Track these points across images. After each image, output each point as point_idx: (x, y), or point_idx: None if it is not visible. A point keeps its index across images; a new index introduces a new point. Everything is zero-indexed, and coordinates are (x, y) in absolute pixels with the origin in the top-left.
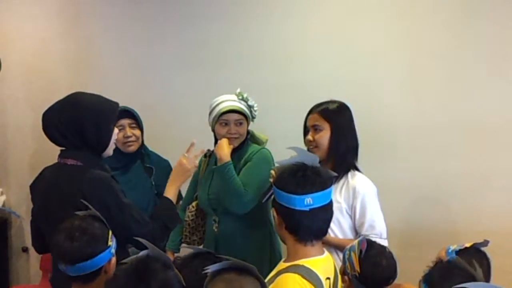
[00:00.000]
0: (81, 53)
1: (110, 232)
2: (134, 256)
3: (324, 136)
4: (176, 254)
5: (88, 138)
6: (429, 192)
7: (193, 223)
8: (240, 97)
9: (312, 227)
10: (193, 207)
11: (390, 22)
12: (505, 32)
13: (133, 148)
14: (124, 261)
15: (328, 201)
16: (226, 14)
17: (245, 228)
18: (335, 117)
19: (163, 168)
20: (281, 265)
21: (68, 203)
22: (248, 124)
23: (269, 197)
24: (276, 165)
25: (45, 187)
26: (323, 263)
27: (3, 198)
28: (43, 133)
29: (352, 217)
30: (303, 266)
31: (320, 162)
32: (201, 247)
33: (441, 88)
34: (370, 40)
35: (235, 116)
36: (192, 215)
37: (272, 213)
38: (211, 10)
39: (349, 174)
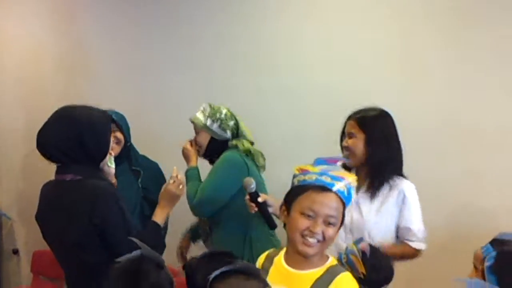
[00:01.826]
0: (74, 55)
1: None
2: (126, 256)
3: (358, 144)
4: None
5: (89, 151)
6: (427, 193)
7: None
8: (202, 108)
9: None
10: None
11: (387, 26)
12: (501, 37)
13: (114, 151)
14: (117, 260)
15: None
16: (220, 16)
17: (232, 238)
18: (371, 126)
19: (151, 171)
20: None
21: (74, 220)
22: (212, 135)
23: (270, 219)
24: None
25: (48, 208)
26: None
27: None
28: (35, 135)
29: (397, 221)
30: None
31: (356, 172)
32: None
33: (438, 91)
34: (367, 44)
35: (194, 126)
36: (192, 228)
37: None
38: (205, 11)
39: (396, 180)
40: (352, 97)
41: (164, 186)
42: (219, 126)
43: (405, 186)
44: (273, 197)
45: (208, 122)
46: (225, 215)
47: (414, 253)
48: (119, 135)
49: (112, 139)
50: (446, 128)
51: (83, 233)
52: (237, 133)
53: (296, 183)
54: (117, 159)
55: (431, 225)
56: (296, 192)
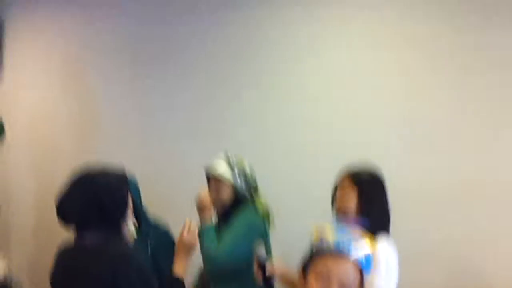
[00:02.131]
0: (84, 113)
1: None
2: None
3: (350, 200)
4: None
5: (110, 215)
6: (430, 256)
7: None
8: (227, 162)
9: None
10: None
11: (386, 68)
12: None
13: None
14: None
15: None
16: (229, 80)
17: None
18: (365, 183)
19: (162, 239)
20: None
21: (98, 285)
22: (234, 188)
23: (268, 278)
24: None
25: (67, 274)
26: None
27: (4, 266)
28: (45, 200)
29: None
30: None
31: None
32: None
33: (443, 146)
34: (369, 86)
35: (212, 181)
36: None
37: None
38: (220, 70)
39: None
40: (354, 144)
41: (178, 238)
42: (244, 182)
43: (385, 249)
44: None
45: (233, 177)
46: (233, 274)
47: None
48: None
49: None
50: (454, 186)
51: None
52: (255, 189)
53: (314, 248)
54: None
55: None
56: (312, 257)
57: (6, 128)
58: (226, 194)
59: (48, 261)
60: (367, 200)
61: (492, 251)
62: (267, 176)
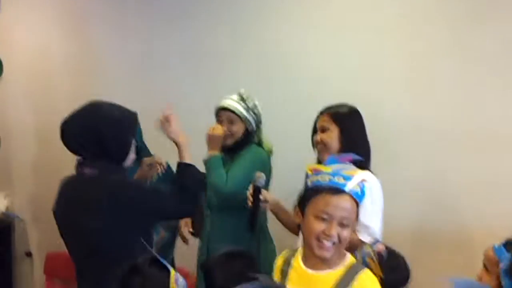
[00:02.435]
0: (82, 55)
1: (172, 276)
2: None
3: (333, 137)
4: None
5: (107, 148)
6: (436, 193)
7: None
8: (239, 97)
9: None
10: None
11: (393, 24)
12: (510, 35)
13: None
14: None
15: None
16: (229, 13)
17: (233, 228)
18: (345, 121)
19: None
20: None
21: (97, 211)
22: (246, 125)
23: (256, 222)
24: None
25: (65, 202)
26: None
27: (6, 202)
28: (45, 136)
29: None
30: None
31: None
32: None
33: (447, 91)
34: (374, 41)
35: (227, 113)
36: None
37: None
38: (214, 9)
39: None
40: (360, 96)
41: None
42: (254, 119)
43: (369, 180)
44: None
45: (246, 113)
46: (237, 204)
47: (356, 242)
48: None
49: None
50: (458, 129)
51: (103, 223)
52: (260, 128)
53: (309, 184)
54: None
55: (439, 225)
56: (310, 194)
57: (4, 64)
58: (238, 128)
59: (49, 196)
60: (349, 136)
61: (497, 187)
62: (267, 113)
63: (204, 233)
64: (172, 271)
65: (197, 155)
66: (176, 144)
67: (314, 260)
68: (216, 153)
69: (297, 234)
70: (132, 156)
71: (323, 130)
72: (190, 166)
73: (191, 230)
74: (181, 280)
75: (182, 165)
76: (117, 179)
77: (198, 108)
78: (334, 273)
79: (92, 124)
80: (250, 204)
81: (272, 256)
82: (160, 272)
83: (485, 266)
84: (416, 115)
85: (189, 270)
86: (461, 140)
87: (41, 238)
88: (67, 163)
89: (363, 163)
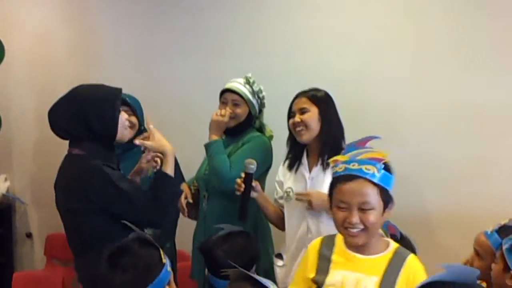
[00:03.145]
0: (84, 41)
1: (161, 252)
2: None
3: (313, 117)
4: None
5: (94, 128)
6: (435, 179)
7: (196, 197)
8: (245, 81)
9: None
10: (196, 182)
11: (394, 13)
12: (509, 24)
13: (129, 135)
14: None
15: None
16: (228, 1)
17: (230, 211)
18: (323, 102)
19: None
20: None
21: (71, 194)
22: (250, 108)
23: (246, 210)
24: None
25: (58, 178)
26: None
27: (7, 184)
28: (46, 120)
29: None
30: None
31: (307, 151)
32: None
33: (446, 77)
34: (375, 30)
35: (233, 96)
36: (194, 189)
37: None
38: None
39: None
40: (361, 84)
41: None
42: (258, 103)
43: None
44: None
45: (251, 96)
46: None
47: None
48: (133, 119)
49: (126, 122)
50: (456, 114)
51: (79, 208)
52: (261, 112)
53: (332, 175)
54: (129, 144)
55: (438, 210)
56: (331, 187)
57: (6, 48)
58: (242, 111)
59: (49, 179)
60: (327, 117)
61: (495, 171)
62: (268, 95)
63: (201, 214)
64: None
65: (198, 142)
66: (162, 153)
67: (358, 245)
68: (218, 138)
69: (280, 228)
70: (125, 132)
71: (303, 111)
72: (169, 177)
73: (190, 200)
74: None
75: (162, 174)
76: (95, 165)
77: (198, 93)
78: (383, 257)
79: (74, 108)
80: (239, 192)
81: (269, 242)
82: (150, 250)
83: (476, 251)
84: (415, 102)
85: (189, 254)
86: (460, 123)
87: (41, 220)
88: (67, 146)
89: (340, 143)
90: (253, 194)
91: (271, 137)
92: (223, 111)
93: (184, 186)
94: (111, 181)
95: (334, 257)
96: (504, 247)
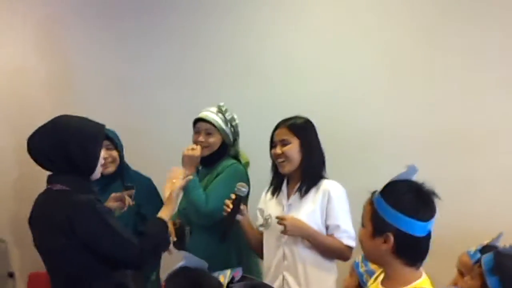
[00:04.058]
0: (60, 74)
1: None
2: (172, 270)
3: (293, 149)
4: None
5: (75, 161)
6: None
7: (177, 231)
8: (218, 110)
9: (426, 250)
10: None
11: (370, 29)
12: (485, 36)
13: (110, 169)
14: (170, 274)
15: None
16: (207, 29)
17: (211, 241)
18: (303, 132)
19: (144, 186)
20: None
21: (55, 230)
22: (223, 137)
23: (229, 231)
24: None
25: (35, 215)
26: (427, 284)
27: None
28: (25, 157)
29: (322, 219)
30: None
31: (288, 179)
32: None
33: (429, 98)
34: (357, 48)
35: (205, 125)
36: (179, 223)
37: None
38: (191, 25)
39: (321, 182)
40: (340, 102)
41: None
42: (232, 132)
43: (330, 186)
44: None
45: (224, 125)
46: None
47: (344, 249)
48: (114, 153)
49: (107, 157)
50: (434, 133)
51: (63, 244)
52: (237, 141)
53: None
54: (111, 177)
55: None
56: None
57: None
58: (215, 140)
59: None
60: (309, 147)
61: (474, 190)
62: (246, 124)
63: (187, 247)
64: None
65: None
66: (167, 199)
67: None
68: (193, 174)
69: (259, 255)
70: (100, 169)
71: (284, 143)
72: (163, 223)
73: (174, 239)
74: None
75: (156, 219)
76: (87, 200)
77: (174, 122)
78: None
79: (57, 138)
80: (227, 211)
81: (256, 269)
82: None
83: (459, 271)
84: (397, 125)
85: None
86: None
87: (23, 258)
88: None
89: (320, 172)
90: (239, 217)
91: (247, 164)
92: (194, 146)
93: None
94: (102, 218)
95: None
96: (485, 267)
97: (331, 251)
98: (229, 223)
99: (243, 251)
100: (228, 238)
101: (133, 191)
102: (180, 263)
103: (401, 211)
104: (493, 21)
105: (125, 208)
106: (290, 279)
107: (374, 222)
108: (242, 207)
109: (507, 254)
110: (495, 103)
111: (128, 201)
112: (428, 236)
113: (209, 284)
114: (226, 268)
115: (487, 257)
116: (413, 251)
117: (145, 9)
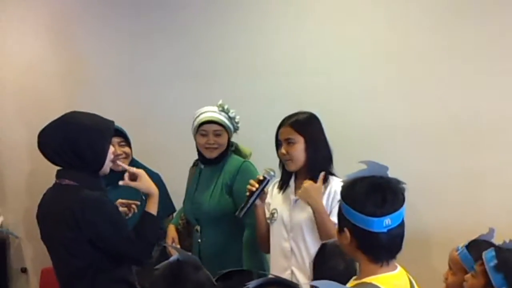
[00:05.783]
0: (73, 69)
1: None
2: (166, 262)
3: (298, 149)
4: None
5: (83, 157)
6: (424, 191)
7: (184, 230)
8: (221, 109)
9: (390, 247)
10: (184, 215)
11: (379, 25)
12: (492, 32)
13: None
14: (157, 267)
15: (402, 217)
16: (216, 25)
17: (226, 239)
18: (307, 129)
19: (153, 182)
20: (351, 283)
21: (61, 224)
22: (229, 135)
23: (247, 210)
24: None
25: (43, 209)
26: (395, 279)
27: (0, 218)
28: (38, 152)
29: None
30: (371, 284)
31: (295, 174)
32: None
33: (433, 88)
34: (359, 43)
35: (214, 126)
36: (183, 223)
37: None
38: (200, 23)
39: (329, 180)
40: (347, 97)
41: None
42: (234, 128)
43: (338, 188)
44: None
45: (229, 123)
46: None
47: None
48: (127, 150)
49: (121, 153)
50: (446, 126)
51: (69, 238)
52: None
53: None
54: (122, 173)
55: (428, 224)
56: None
57: None
58: (224, 140)
59: None
60: (314, 144)
61: (484, 184)
62: (252, 120)
63: (195, 247)
64: None
65: (181, 162)
66: (148, 194)
67: None
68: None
69: (262, 248)
70: (110, 165)
71: (288, 142)
72: (153, 217)
73: (177, 246)
74: None
75: (146, 214)
76: (96, 196)
77: (185, 117)
78: None
79: (68, 134)
80: (251, 190)
81: (260, 266)
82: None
83: (449, 266)
84: (401, 117)
85: None
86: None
87: (36, 254)
88: None
89: (327, 167)
90: (258, 202)
91: (250, 155)
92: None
93: (171, 229)
94: (108, 214)
95: None
96: (489, 264)
97: (329, 236)
98: (249, 201)
99: (252, 248)
100: (243, 214)
101: (139, 203)
102: (173, 257)
103: (352, 206)
104: (493, 17)
105: (130, 215)
106: (297, 273)
107: (338, 218)
108: (266, 190)
109: (510, 249)
110: (499, 99)
111: (134, 209)
112: (390, 232)
113: (193, 276)
114: (238, 264)
115: (488, 254)
116: (373, 247)
117: (157, 7)
